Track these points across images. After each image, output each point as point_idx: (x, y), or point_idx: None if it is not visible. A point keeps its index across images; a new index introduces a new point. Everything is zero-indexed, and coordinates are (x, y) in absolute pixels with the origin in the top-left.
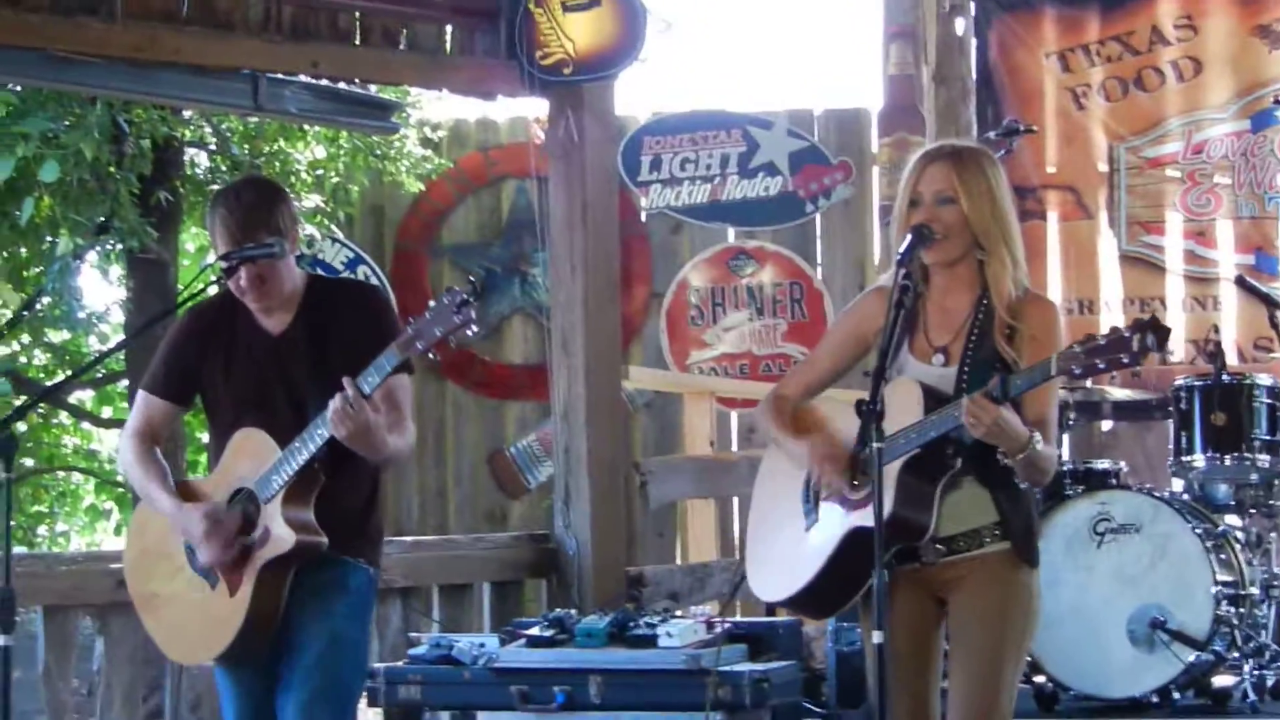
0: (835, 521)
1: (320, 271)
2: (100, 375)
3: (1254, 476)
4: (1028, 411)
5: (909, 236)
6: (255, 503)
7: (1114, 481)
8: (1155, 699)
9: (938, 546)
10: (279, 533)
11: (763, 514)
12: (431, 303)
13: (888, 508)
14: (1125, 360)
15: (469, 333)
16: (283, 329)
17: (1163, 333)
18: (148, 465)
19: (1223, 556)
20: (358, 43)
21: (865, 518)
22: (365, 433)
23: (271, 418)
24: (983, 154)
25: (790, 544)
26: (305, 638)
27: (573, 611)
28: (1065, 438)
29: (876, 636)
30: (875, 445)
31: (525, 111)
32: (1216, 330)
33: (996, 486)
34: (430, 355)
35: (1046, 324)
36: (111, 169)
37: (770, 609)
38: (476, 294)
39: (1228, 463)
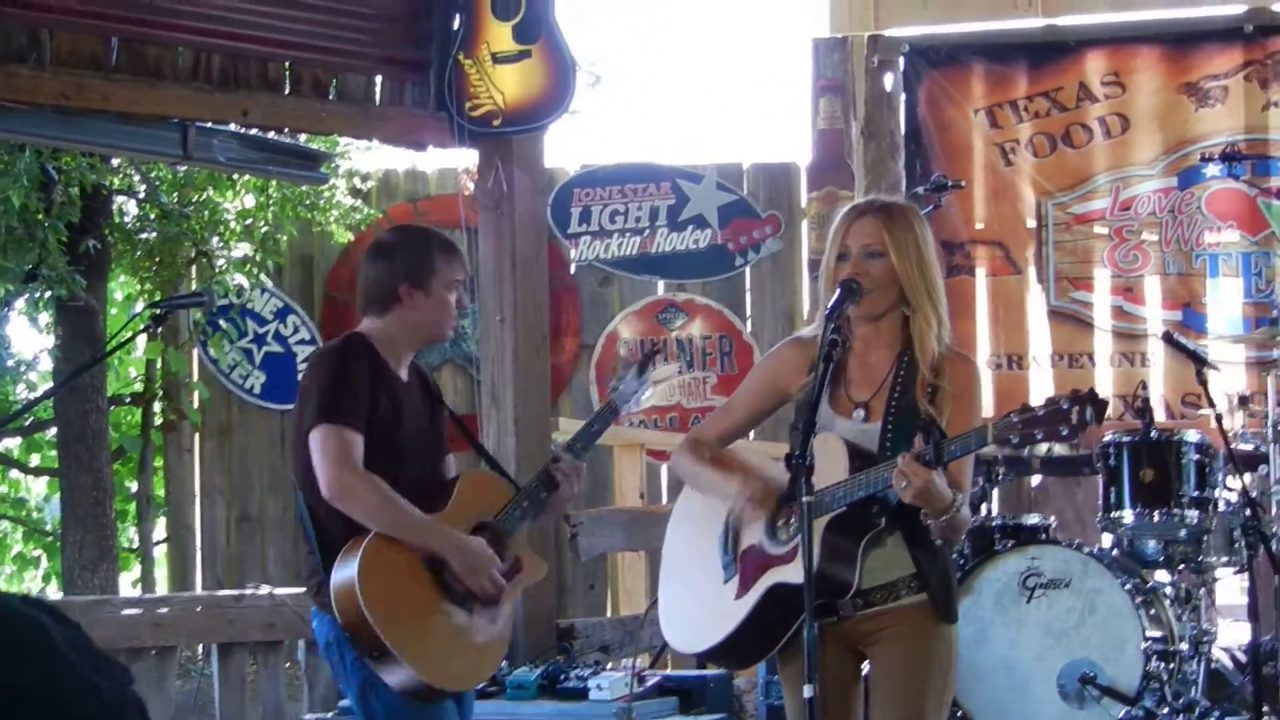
0: (755, 575)
1: (251, 322)
2: (29, 424)
3: (1183, 532)
4: (946, 473)
5: (838, 291)
6: (498, 537)
7: (1043, 536)
8: None
9: (854, 600)
10: (535, 560)
11: (677, 561)
12: (624, 371)
13: (814, 565)
14: (1064, 433)
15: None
16: (406, 377)
17: (1100, 406)
18: (399, 498)
19: (1152, 612)
20: (287, 92)
21: (786, 574)
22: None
23: (429, 459)
24: (911, 211)
25: (708, 595)
26: None
27: (503, 663)
28: (994, 493)
29: (807, 690)
30: (805, 499)
31: (454, 162)
32: (1145, 386)
33: (915, 544)
34: None
35: (968, 383)
36: (40, 216)
37: (701, 662)
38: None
39: (1156, 518)
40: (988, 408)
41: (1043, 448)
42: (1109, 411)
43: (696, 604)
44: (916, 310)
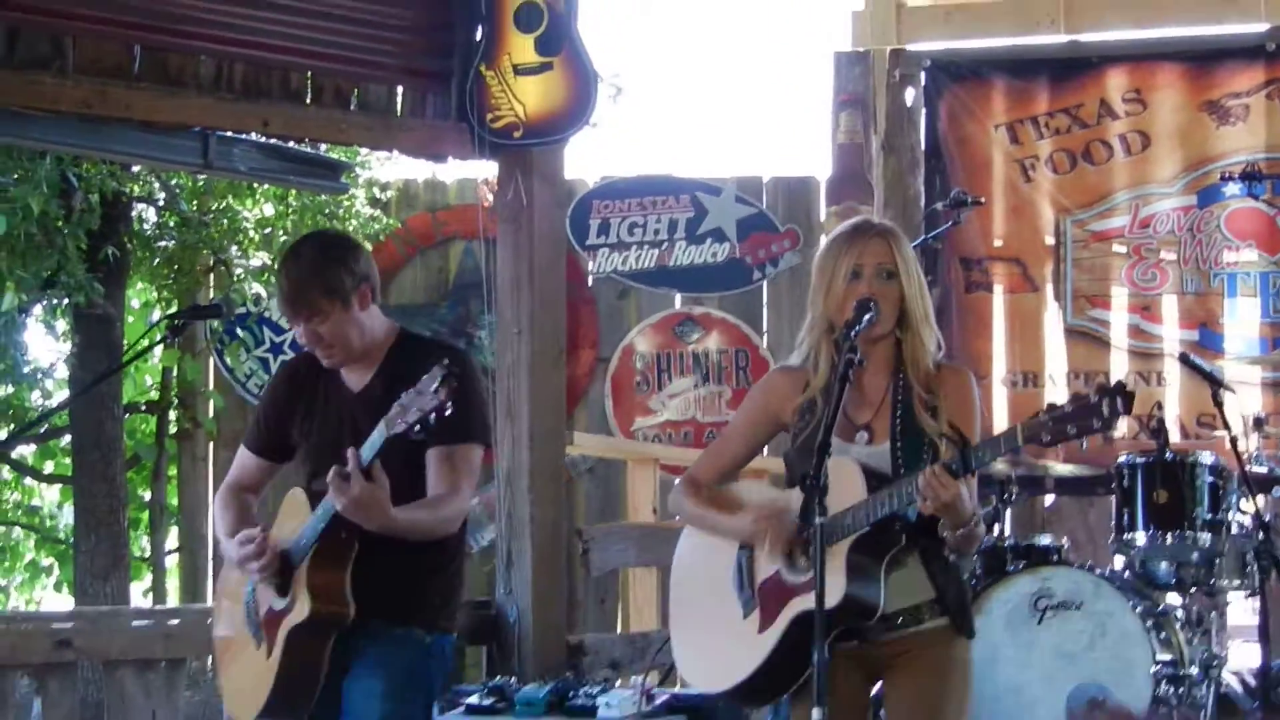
0: (778, 607)
1: (268, 331)
2: (43, 431)
3: (1195, 555)
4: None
5: (856, 310)
6: (290, 565)
7: (1055, 558)
8: None
9: (879, 623)
10: (300, 601)
11: (689, 600)
12: (420, 383)
13: (842, 589)
14: (1097, 426)
15: (445, 413)
16: (362, 386)
17: (1129, 397)
18: (225, 509)
19: (1163, 635)
20: (309, 102)
21: (810, 602)
22: (361, 507)
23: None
24: (902, 233)
25: (727, 632)
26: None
27: (513, 679)
28: (1007, 513)
29: (816, 714)
30: (819, 520)
31: (474, 173)
32: (1160, 406)
33: (931, 560)
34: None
35: (965, 394)
36: (59, 223)
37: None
38: (451, 374)
39: (1169, 540)
40: (1002, 426)
41: (1061, 468)
42: (1124, 431)
43: (716, 642)
44: (913, 332)
